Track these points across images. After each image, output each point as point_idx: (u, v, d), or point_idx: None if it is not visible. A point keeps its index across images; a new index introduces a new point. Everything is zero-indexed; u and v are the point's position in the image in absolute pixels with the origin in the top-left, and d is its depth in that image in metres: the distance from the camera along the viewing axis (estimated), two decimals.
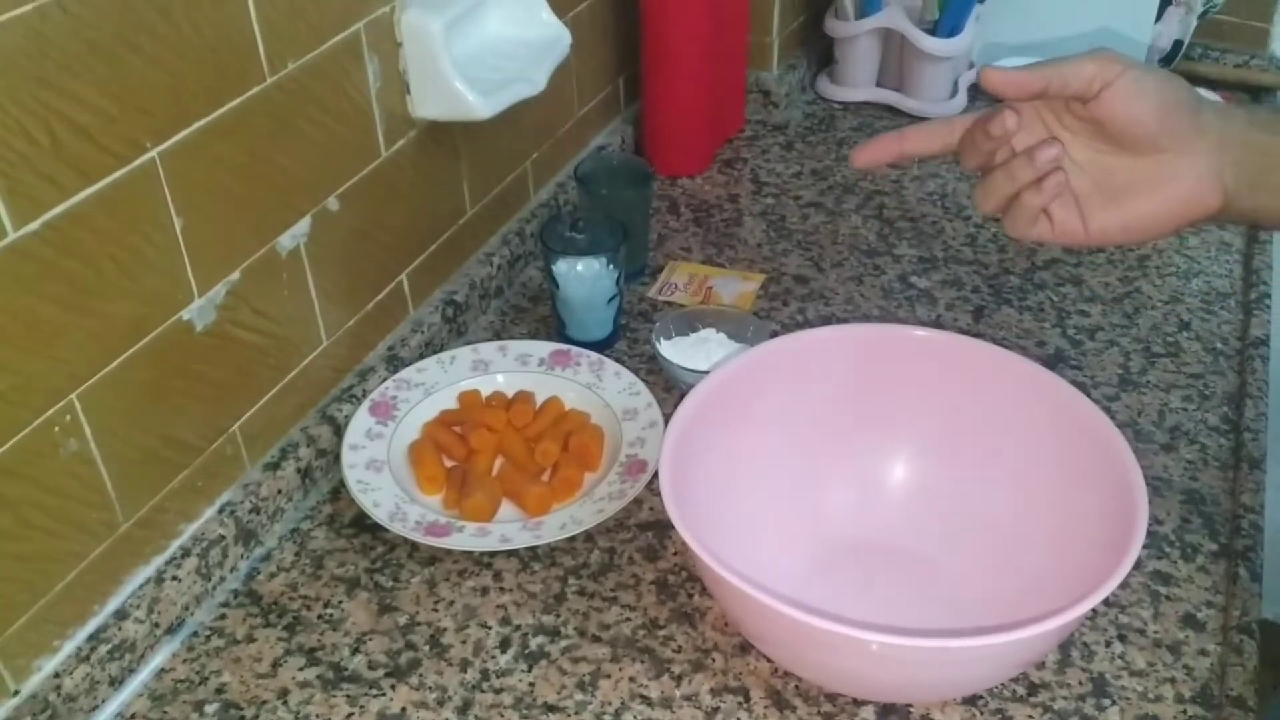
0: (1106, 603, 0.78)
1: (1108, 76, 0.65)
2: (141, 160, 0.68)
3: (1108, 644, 0.76)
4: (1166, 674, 0.74)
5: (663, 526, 0.85)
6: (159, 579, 0.76)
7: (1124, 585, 0.79)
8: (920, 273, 1.12)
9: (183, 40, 0.69)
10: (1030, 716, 0.72)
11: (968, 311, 1.07)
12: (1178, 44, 1.40)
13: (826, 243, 1.17)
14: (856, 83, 1.44)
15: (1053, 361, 1.00)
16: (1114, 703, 0.73)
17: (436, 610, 0.79)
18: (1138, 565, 0.81)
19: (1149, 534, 0.80)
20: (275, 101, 0.78)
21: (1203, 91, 1.36)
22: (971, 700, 0.73)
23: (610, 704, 0.73)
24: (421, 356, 0.98)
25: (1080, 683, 0.74)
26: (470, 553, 0.82)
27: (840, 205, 1.23)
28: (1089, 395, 0.76)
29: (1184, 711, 0.72)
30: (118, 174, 0.67)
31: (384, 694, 0.74)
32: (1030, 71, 0.66)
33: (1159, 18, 1.38)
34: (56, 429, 0.67)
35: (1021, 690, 0.73)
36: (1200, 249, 1.14)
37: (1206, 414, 0.94)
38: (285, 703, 0.73)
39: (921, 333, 0.84)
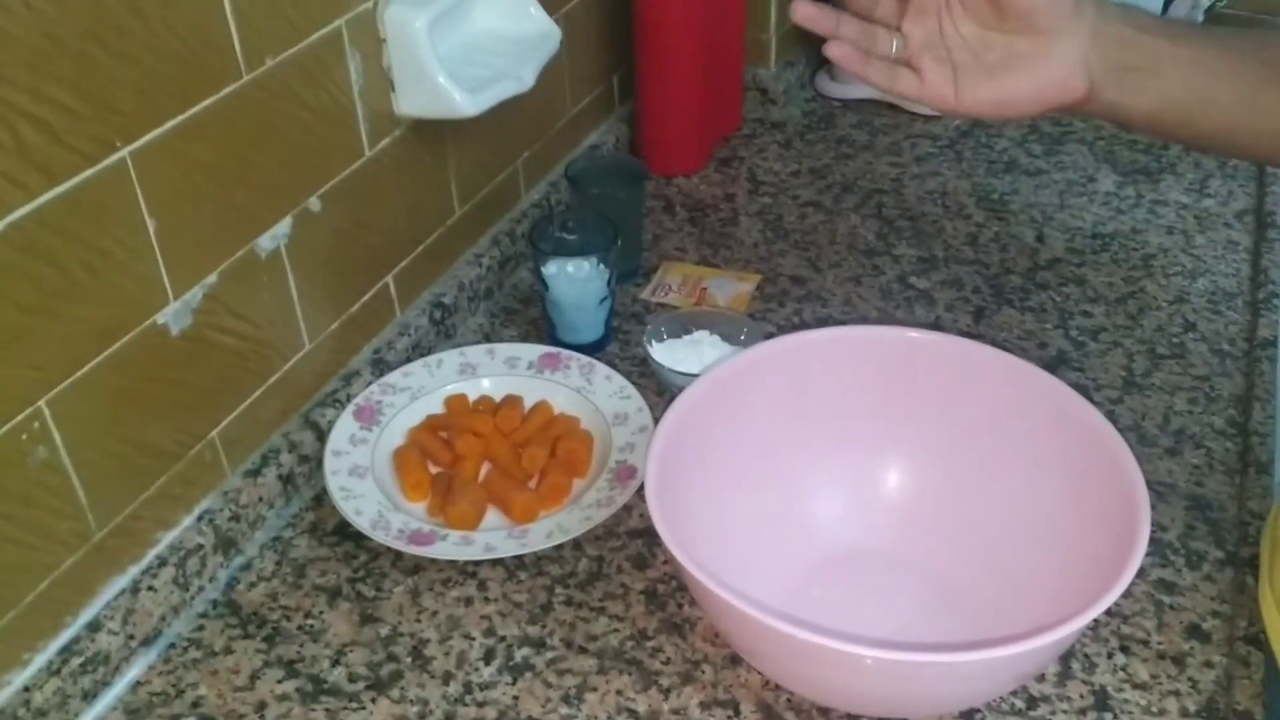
0: (1109, 613, 0.76)
1: None
2: (111, 160, 0.66)
3: (1110, 655, 0.74)
4: (1170, 687, 0.72)
5: (652, 534, 0.82)
6: (134, 589, 0.74)
7: (1127, 595, 0.77)
8: (920, 273, 1.10)
9: (154, 36, 0.67)
10: None
11: (968, 312, 1.05)
12: None
13: (824, 243, 1.15)
14: (856, 80, 1.41)
15: (1055, 363, 0.97)
16: (1116, 717, 0.70)
17: (419, 621, 0.77)
18: (1141, 574, 0.78)
19: (1153, 541, 0.78)
20: (253, 99, 0.76)
21: None
22: (969, 714, 0.71)
23: (597, 717, 0.71)
24: (409, 360, 0.96)
25: (1081, 696, 0.72)
26: (455, 562, 0.80)
27: (839, 204, 1.21)
28: (1091, 398, 0.74)
29: None
30: (86, 174, 0.65)
31: (364, 707, 0.72)
32: None
33: (1165, 10, 1.36)
34: (24, 436, 0.65)
35: (1020, 704, 0.71)
36: (1207, 248, 1.12)
37: (1212, 417, 0.92)
38: (263, 716, 0.71)
39: (918, 335, 0.82)
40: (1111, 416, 0.72)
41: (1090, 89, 0.68)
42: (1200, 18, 1.38)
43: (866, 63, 0.71)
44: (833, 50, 0.72)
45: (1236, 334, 1.01)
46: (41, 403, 0.66)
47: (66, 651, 0.70)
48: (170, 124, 0.70)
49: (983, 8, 0.68)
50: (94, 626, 0.72)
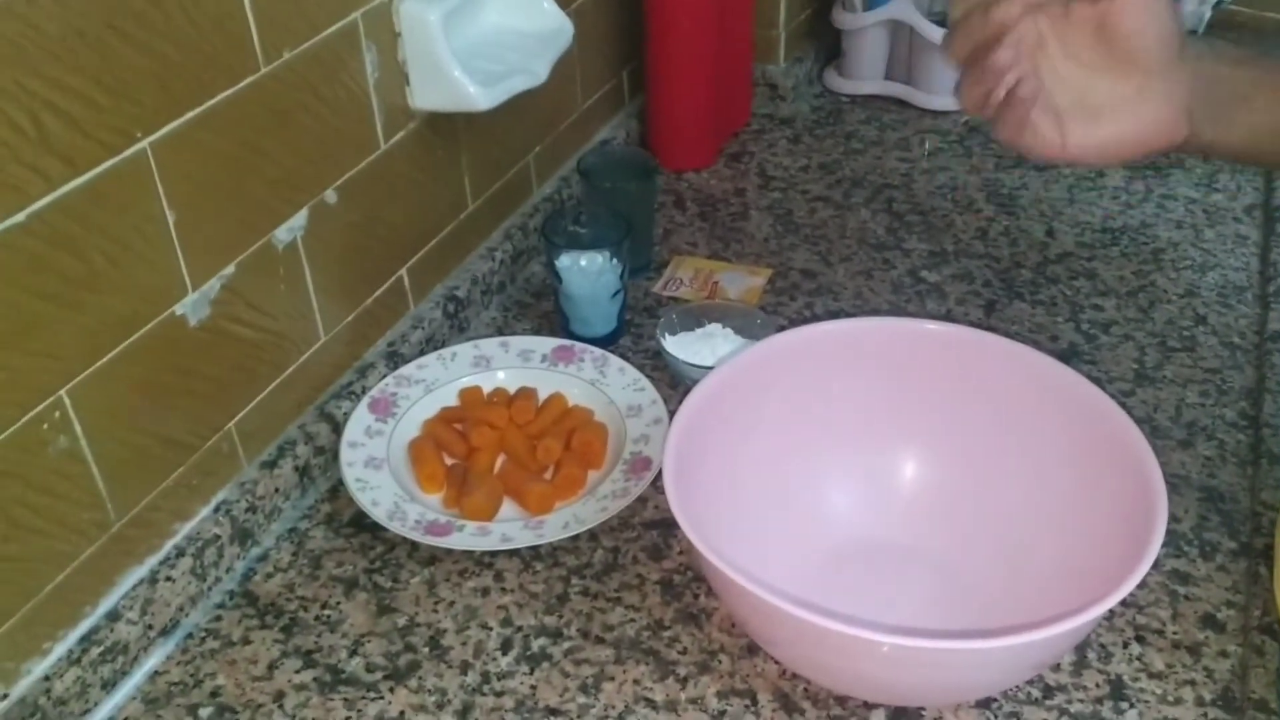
0: (1124, 603, 0.76)
1: None
2: (132, 151, 0.67)
3: (1125, 645, 0.74)
4: (1186, 676, 0.72)
5: (668, 525, 0.83)
6: (153, 579, 0.74)
7: (1142, 585, 0.77)
8: (930, 267, 1.10)
9: (174, 28, 0.67)
10: None
11: (979, 306, 1.05)
12: (1191, 35, 1.38)
13: (835, 237, 1.15)
14: (865, 75, 1.42)
15: (1066, 356, 0.97)
16: (1132, 705, 0.71)
17: (436, 611, 0.77)
18: (1156, 564, 0.78)
19: (1167, 533, 0.77)
20: (270, 92, 0.76)
21: None
22: (985, 703, 0.71)
23: (614, 707, 0.71)
24: (422, 353, 0.96)
25: (1097, 685, 0.72)
26: (471, 552, 0.81)
27: (849, 199, 1.21)
28: (1104, 391, 0.74)
29: (1204, 715, 0.70)
30: (107, 164, 0.65)
31: (382, 697, 0.72)
32: None
33: None
34: (45, 426, 0.65)
35: (1037, 693, 0.71)
36: (1216, 242, 1.12)
37: (1224, 409, 0.92)
38: (281, 706, 0.72)
39: (932, 326, 0.82)
40: (1124, 409, 0.72)
41: (1190, 130, 0.68)
42: (1208, 14, 1.38)
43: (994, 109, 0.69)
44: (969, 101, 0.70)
45: (1247, 327, 1.01)
46: (62, 392, 0.66)
47: (86, 641, 0.70)
48: (189, 115, 0.70)
49: (1086, 44, 0.67)
50: (113, 616, 0.72)
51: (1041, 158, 0.70)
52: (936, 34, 1.33)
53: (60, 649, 0.69)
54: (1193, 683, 0.72)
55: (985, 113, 0.69)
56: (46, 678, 0.68)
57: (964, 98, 0.69)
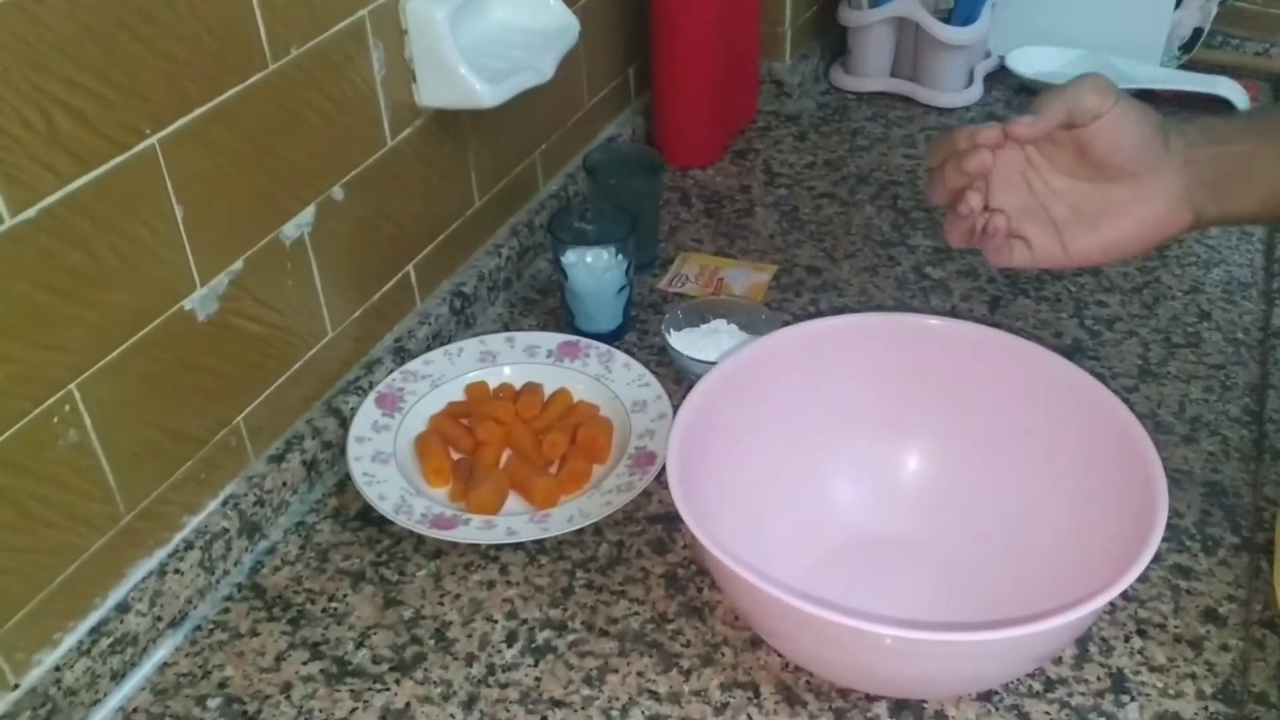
0: (1126, 597, 0.77)
1: (1103, 108, 0.67)
2: (141, 147, 0.67)
3: (1127, 639, 0.74)
4: (1187, 669, 0.73)
5: (672, 519, 0.83)
6: (161, 572, 0.75)
7: (1144, 579, 0.78)
8: (935, 263, 1.11)
9: (182, 25, 0.68)
10: (1047, 713, 0.70)
11: (984, 302, 1.05)
12: (1197, 31, 1.38)
13: (840, 233, 1.16)
14: (870, 72, 1.42)
15: (1070, 352, 0.98)
16: (1133, 699, 0.71)
17: (442, 604, 0.78)
18: (1158, 559, 0.79)
19: (1169, 527, 0.78)
20: (278, 89, 0.77)
21: (1222, 80, 1.34)
22: (987, 696, 0.71)
23: (618, 699, 0.71)
24: (429, 348, 0.96)
25: (1099, 678, 0.72)
26: (476, 546, 0.81)
27: (854, 196, 1.22)
28: (1107, 386, 0.74)
29: (1205, 708, 0.70)
30: (116, 161, 0.66)
31: (388, 688, 0.73)
32: (1049, 114, 0.68)
33: (1178, 5, 1.36)
34: (56, 419, 0.66)
35: (1038, 686, 0.72)
36: (1221, 238, 1.12)
37: (1228, 405, 0.92)
38: (288, 697, 0.72)
39: (935, 321, 0.82)
40: (1127, 405, 0.72)
41: (1194, 214, 0.69)
42: (1214, 10, 1.38)
43: (982, 242, 0.72)
44: (955, 239, 0.74)
45: (1251, 323, 1.01)
46: (72, 386, 0.67)
47: (96, 632, 0.71)
48: (198, 112, 0.71)
49: (1070, 162, 0.69)
50: (122, 608, 0.73)
51: (1047, 269, 0.72)
52: (942, 31, 1.33)
53: (70, 640, 0.70)
54: (1194, 676, 0.72)
55: (972, 244, 0.72)
56: (57, 668, 0.69)
57: (949, 235, 0.73)
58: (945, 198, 0.72)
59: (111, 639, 0.71)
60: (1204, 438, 0.89)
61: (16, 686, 0.67)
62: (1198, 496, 0.84)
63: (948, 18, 1.35)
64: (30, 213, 0.62)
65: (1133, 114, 0.68)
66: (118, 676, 0.72)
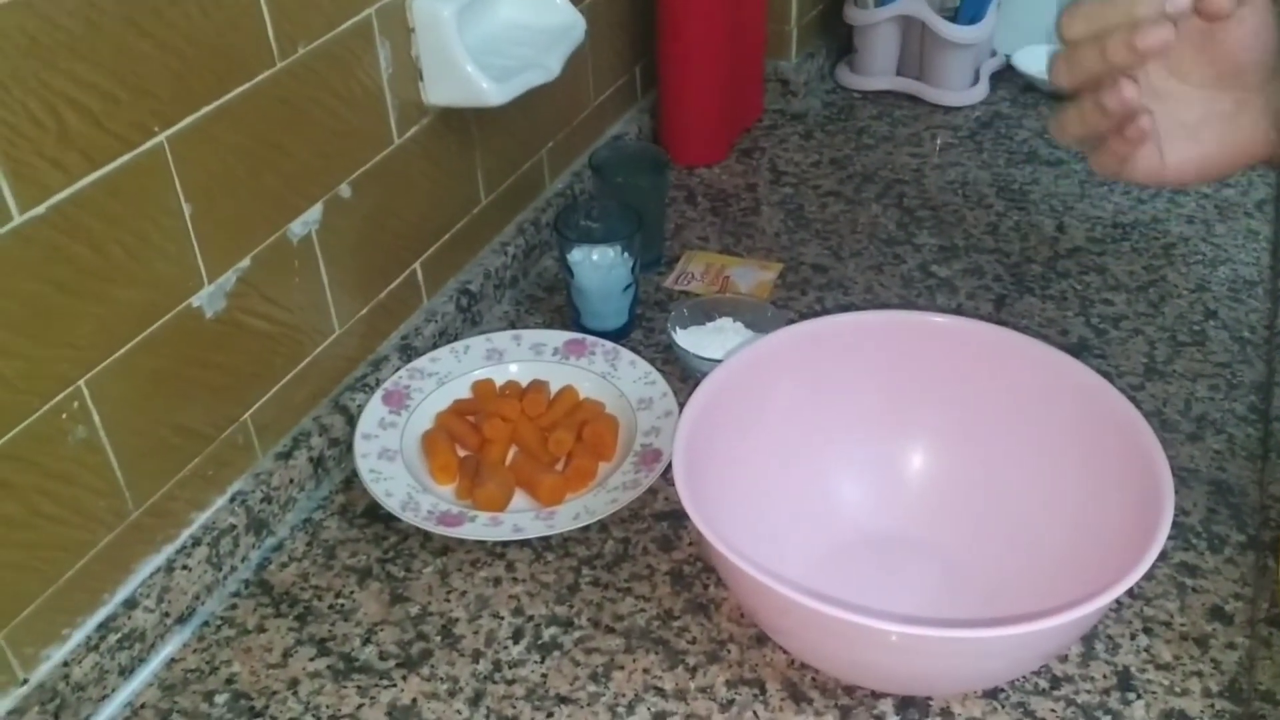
0: (1131, 595, 0.77)
1: None
2: (149, 144, 0.68)
3: (1133, 637, 0.74)
4: (1193, 667, 0.73)
5: (678, 516, 0.84)
6: (169, 568, 0.75)
7: (1150, 577, 0.78)
8: (941, 261, 1.11)
9: (190, 23, 0.68)
10: (1053, 710, 0.70)
11: (989, 300, 1.05)
12: None
13: (845, 232, 1.16)
14: (876, 71, 1.42)
15: (1076, 350, 0.98)
16: (1139, 696, 0.71)
17: (449, 600, 0.78)
18: (1164, 557, 0.79)
19: (1175, 525, 0.78)
20: (285, 87, 0.77)
21: None
22: (992, 693, 0.71)
23: (624, 695, 0.72)
24: (435, 346, 0.97)
25: (1105, 676, 0.72)
26: (483, 543, 0.81)
27: (859, 194, 1.22)
28: (1113, 385, 0.74)
29: (1211, 706, 0.70)
30: (125, 158, 0.66)
31: (395, 684, 0.73)
32: None
33: None
34: (64, 416, 0.66)
35: (1044, 683, 0.72)
36: (1227, 236, 1.12)
37: (1234, 403, 0.92)
38: (295, 693, 0.72)
39: (940, 319, 0.83)
40: (1133, 403, 0.72)
41: (1275, 145, 0.65)
42: None
43: (1098, 142, 0.66)
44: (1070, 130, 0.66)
45: (1257, 322, 1.01)
46: (81, 382, 0.67)
47: (104, 628, 0.71)
48: (205, 110, 0.71)
49: (1188, 59, 0.64)
50: (130, 604, 0.73)
51: (1141, 183, 0.67)
52: (948, 29, 1.33)
53: (79, 635, 0.71)
54: (1200, 674, 0.72)
55: (1088, 144, 0.66)
56: (65, 664, 0.69)
57: (1064, 127, 0.65)
58: (1076, 81, 0.63)
59: (119, 635, 0.72)
60: (1210, 436, 0.89)
61: (25, 682, 0.68)
62: (1204, 494, 0.84)
63: (954, 16, 1.35)
64: (40, 209, 0.62)
65: (1269, 19, 0.62)
66: (126, 672, 0.73)
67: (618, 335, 1.00)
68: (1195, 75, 0.65)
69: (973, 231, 1.15)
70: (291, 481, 0.84)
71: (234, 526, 0.79)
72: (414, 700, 0.72)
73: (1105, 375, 0.75)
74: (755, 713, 0.70)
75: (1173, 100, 0.65)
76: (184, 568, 0.76)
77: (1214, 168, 0.66)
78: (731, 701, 0.71)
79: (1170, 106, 0.65)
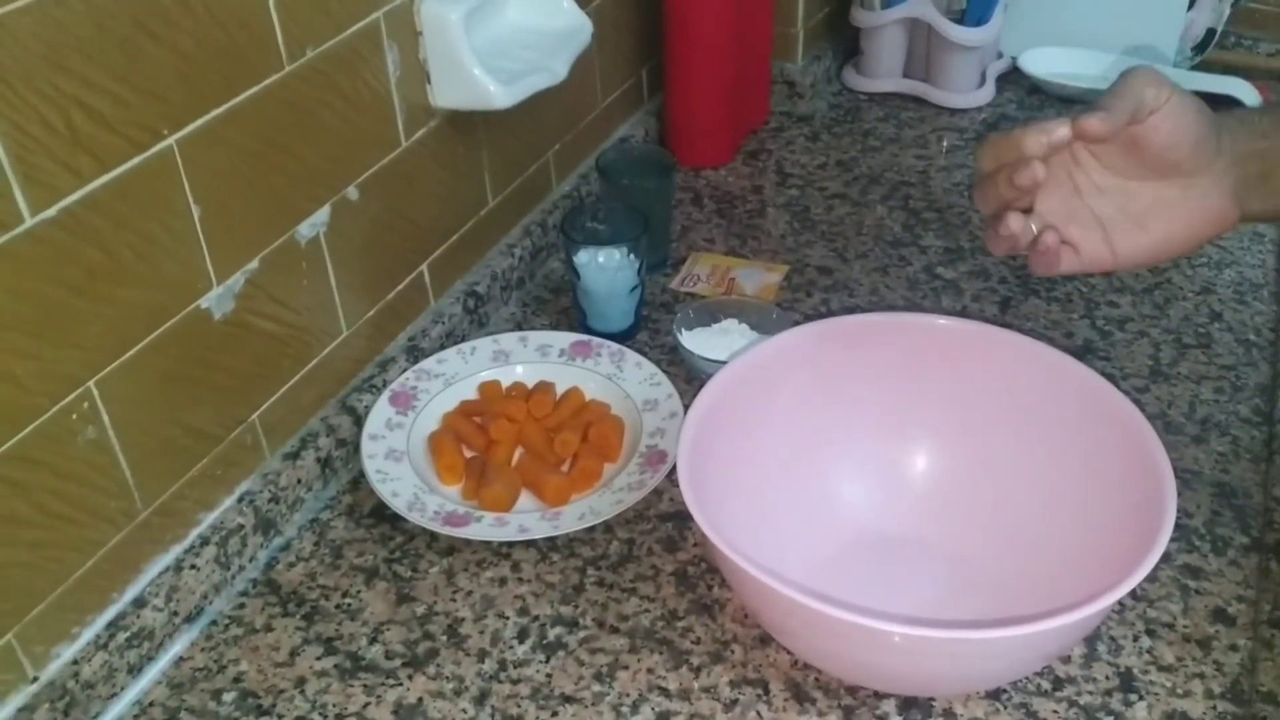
0: (1134, 596, 0.77)
1: (1159, 101, 0.64)
2: (159, 147, 0.68)
3: (1135, 638, 0.75)
4: (1196, 669, 0.73)
5: (683, 518, 0.84)
6: (178, 567, 0.76)
7: (1153, 579, 0.78)
8: (946, 263, 1.11)
9: (199, 26, 0.69)
10: (1055, 711, 0.70)
11: (994, 303, 1.05)
12: (1210, 32, 1.38)
13: (851, 234, 1.16)
14: (883, 73, 1.42)
15: (1081, 353, 0.98)
16: (1141, 698, 0.71)
17: (454, 600, 0.79)
18: (1167, 558, 0.79)
19: (1179, 527, 0.79)
20: (294, 90, 0.78)
21: (1234, 80, 1.34)
22: (995, 694, 0.72)
23: (628, 695, 0.72)
24: (442, 347, 0.97)
25: (1107, 677, 0.72)
26: (489, 543, 0.82)
27: (865, 196, 1.22)
28: (1118, 387, 0.75)
29: (1214, 707, 0.70)
30: (135, 161, 0.67)
31: (401, 684, 0.73)
32: (1118, 110, 0.64)
33: (1191, 5, 1.36)
34: (74, 416, 0.67)
35: (1046, 684, 0.72)
36: (1233, 239, 1.12)
37: (1238, 406, 0.92)
38: (303, 692, 0.73)
39: (944, 321, 0.83)
40: (1138, 405, 0.73)
41: (1240, 212, 0.67)
42: (1227, 12, 1.38)
43: (1028, 250, 0.69)
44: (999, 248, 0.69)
45: (1262, 324, 1.01)
46: (91, 383, 0.68)
47: (113, 626, 0.72)
48: (215, 113, 0.72)
49: (1120, 159, 0.66)
50: (139, 603, 0.73)
51: (1091, 273, 0.68)
52: (955, 32, 1.34)
53: (88, 634, 0.71)
54: (1202, 676, 0.72)
55: (1016, 253, 0.69)
56: (75, 662, 0.70)
57: (991, 246, 0.69)
58: (991, 209, 0.67)
59: (128, 633, 0.72)
60: (1214, 438, 0.89)
61: (35, 679, 0.68)
62: (1207, 497, 0.84)
63: (960, 19, 1.35)
64: (50, 212, 0.62)
65: (1190, 108, 0.65)
66: (134, 670, 0.73)
67: (624, 337, 1.00)
68: (1133, 172, 0.67)
69: (978, 233, 1.15)
70: (299, 482, 0.85)
71: (242, 526, 0.80)
72: (420, 699, 0.72)
73: (1110, 377, 0.76)
74: (759, 713, 0.71)
75: (1117, 194, 0.68)
76: (192, 567, 0.77)
77: (1169, 249, 0.69)
78: (735, 701, 0.71)
79: (1115, 199, 0.68)
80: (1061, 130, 0.64)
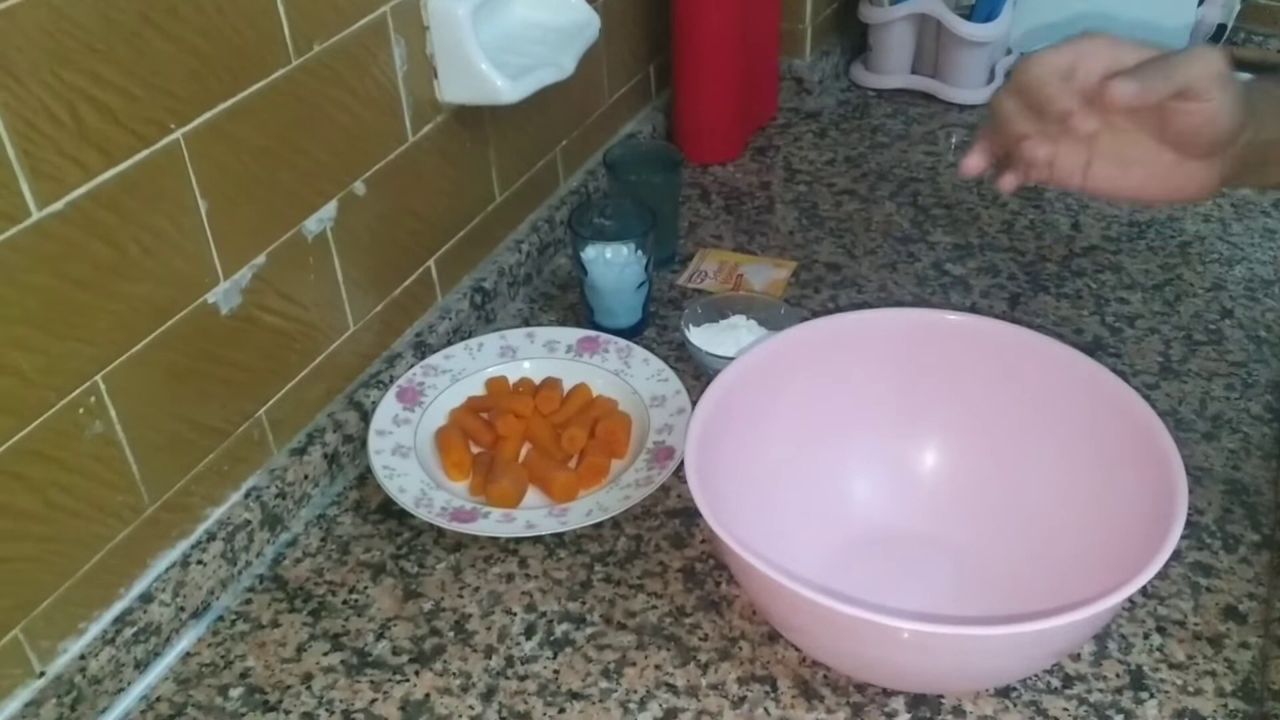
0: (1145, 594, 0.77)
1: (1203, 97, 0.63)
2: (165, 141, 0.68)
3: (1146, 636, 0.74)
4: (1207, 667, 0.72)
5: (690, 514, 0.84)
6: (184, 563, 0.76)
7: (1164, 576, 0.78)
8: (955, 260, 1.11)
9: (206, 20, 0.69)
10: (1065, 709, 0.70)
11: (1003, 299, 1.05)
12: (1220, 28, 1.37)
13: (860, 230, 1.16)
14: (891, 69, 1.42)
15: (1091, 349, 0.97)
16: (1152, 696, 0.71)
17: (461, 596, 0.79)
18: (1178, 556, 0.79)
19: (1190, 524, 0.78)
20: (301, 84, 0.77)
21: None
22: (1005, 692, 0.71)
23: (635, 691, 0.72)
24: (450, 343, 0.97)
25: (1117, 675, 0.72)
26: (496, 539, 0.82)
27: (874, 192, 1.22)
28: (1128, 383, 0.74)
29: (1224, 705, 0.70)
30: (141, 155, 0.67)
31: (408, 680, 0.73)
32: (1156, 88, 0.63)
33: (1202, 1, 1.35)
34: (81, 410, 0.67)
35: (1056, 682, 0.72)
36: (1244, 236, 1.12)
37: (1249, 403, 0.92)
38: (309, 687, 0.73)
39: (953, 317, 0.82)
40: (1149, 402, 0.72)
41: (1222, 185, 0.68)
42: (1237, 7, 1.37)
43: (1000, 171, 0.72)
44: (970, 168, 0.73)
45: (1273, 321, 1.01)
46: (98, 378, 0.67)
47: (120, 621, 0.72)
48: (221, 107, 0.72)
49: (1145, 113, 0.66)
50: (146, 598, 0.73)
51: (1051, 185, 0.70)
52: (963, 27, 1.33)
53: (95, 629, 0.71)
54: (1213, 674, 0.72)
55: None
56: (82, 656, 0.70)
57: (980, 160, 0.71)
58: (1001, 146, 0.70)
59: (135, 628, 0.72)
60: (1225, 435, 0.89)
61: (43, 674, 0.68)
62: (1218, 494, 0.84)
63: (969, 14, 1.34)
64: (57, 206, 0.62)
65: (1229, 105, 0.64)
66: (141, 665, 0.73)
67: (631, 333, 1.00)
68: (1147, 124, 0.67)
69: (987, 230, 1.15)
70: (306, 477, 0.84)
71: (249, 522, 0.80)
72: (427, 695, 0.72)
73: (1120, 374, 0.75)
74: (766, 710, 0.70)
75: (1119, 133, 0.68)
76: (199, 562, 0.76)
77: (1133, 198, 0.70)
78: (743, 698, 0.71)
79: (1115, 136, 0.68)
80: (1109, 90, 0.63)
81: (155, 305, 0.70)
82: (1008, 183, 0.72)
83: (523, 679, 0.73)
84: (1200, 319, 1.01)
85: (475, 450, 0.88)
